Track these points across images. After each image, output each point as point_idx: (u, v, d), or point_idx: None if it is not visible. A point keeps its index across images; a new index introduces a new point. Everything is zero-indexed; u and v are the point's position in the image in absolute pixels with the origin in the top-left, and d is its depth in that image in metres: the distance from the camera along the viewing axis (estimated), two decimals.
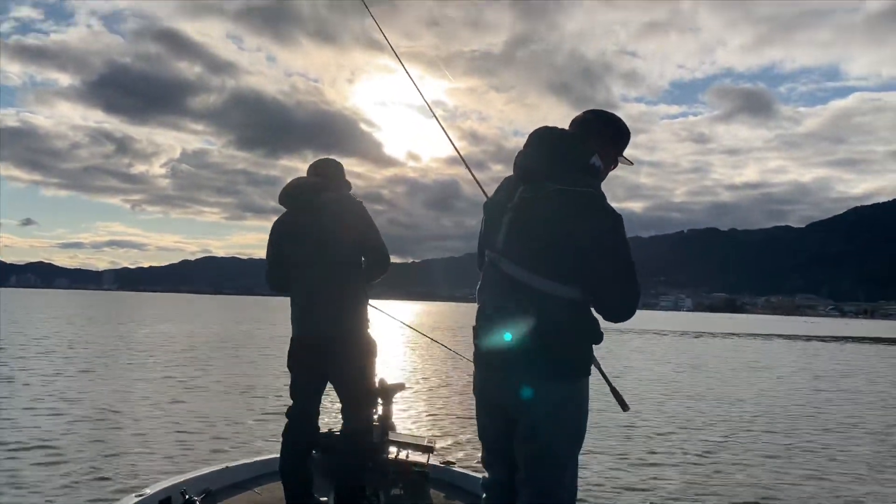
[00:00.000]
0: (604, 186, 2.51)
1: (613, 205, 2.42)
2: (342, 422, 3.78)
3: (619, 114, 2.66)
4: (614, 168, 2.67)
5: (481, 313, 2.53)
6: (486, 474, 2.59)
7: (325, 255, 3.62)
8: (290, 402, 3.76)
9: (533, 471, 2.37)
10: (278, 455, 3.76)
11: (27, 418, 9.37)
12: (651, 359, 24.27)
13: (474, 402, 2.61)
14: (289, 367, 3.75)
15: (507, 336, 2.37)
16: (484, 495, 2.60)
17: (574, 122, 2.63)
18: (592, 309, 2.43)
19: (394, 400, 4.47)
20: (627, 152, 2.70)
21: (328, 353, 3.63)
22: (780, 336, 51.71)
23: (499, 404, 2.44)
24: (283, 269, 3.75)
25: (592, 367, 2.48)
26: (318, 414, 3.79)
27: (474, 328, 2.56)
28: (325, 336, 3.61)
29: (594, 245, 2.33)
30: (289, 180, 3.87)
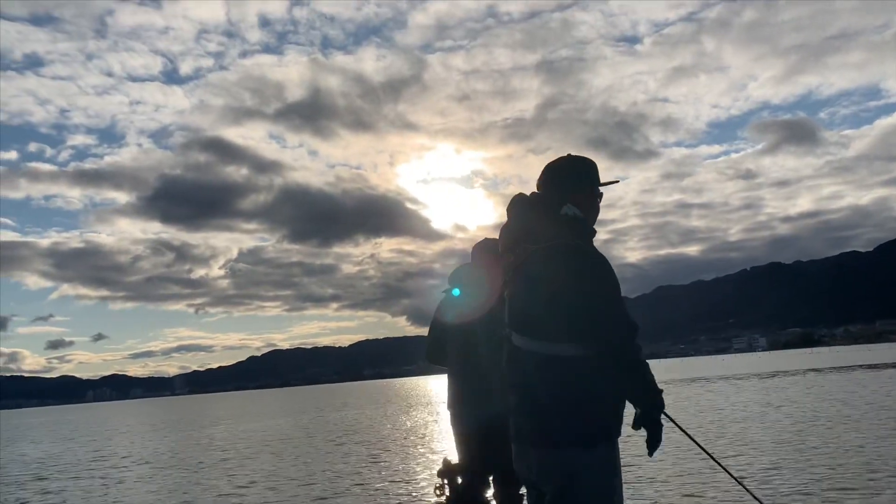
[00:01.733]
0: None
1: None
2: None
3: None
4: (600, 200, 2.59)
5: (509, 388, 2.51)
6: None
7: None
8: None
9: None
10: None
11: None
12: (736, 405, 23.26)
13: None
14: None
15: (520, 406, 2.35)
16: None
17: (547, 172, 2.58)
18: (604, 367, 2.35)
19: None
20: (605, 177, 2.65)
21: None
22: (862, 366, 49.21)
23: (527, 478, 2.40)
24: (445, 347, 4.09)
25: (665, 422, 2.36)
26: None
27: (508, 403, 2.56)
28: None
29: (572, 294, 2.29)
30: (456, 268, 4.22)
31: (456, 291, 4.06)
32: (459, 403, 4.20)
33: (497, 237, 4.07)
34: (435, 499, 4.56)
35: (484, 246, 4.36)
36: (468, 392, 4.11)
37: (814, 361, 69.50)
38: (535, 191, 2.64)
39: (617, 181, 2.68)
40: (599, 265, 2.32)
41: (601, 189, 2.58)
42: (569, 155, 2.61)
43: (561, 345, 2.31)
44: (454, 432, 4.37)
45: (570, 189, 2.57)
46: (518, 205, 2.57)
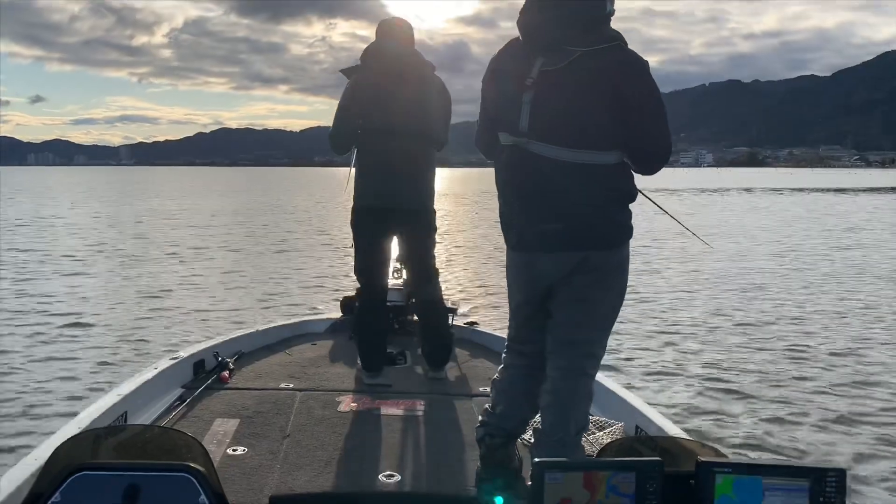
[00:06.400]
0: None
1: None
2: (415, 289, 3.92)
3: None
4: None
5: (515, 196, 2.42)
6: (512, 335, 2.63)
7: (418, 128, 3.58)
8: (359, 266, 3.77)
9: (572, 334, 2.41)
10: (307, 319, 3.87)
11: (65, 289, 9.71)
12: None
13: (507, 275, 2.57)
14: (357, 233, 3.75)
15: (551, 214, 2.32)
16: (504, 355, 2.65)
17: None
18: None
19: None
20: None
21: (404, 223, 3.67)
22: (792, 189, 51.28)
23: (546, 275, 2.39)
24: (356, 134, 3.64)
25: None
26: (387, 276, 3.88)
27: (505, 212, 2.48)
28: (405, 206, 3.63)
29: (637, 100, 2.24)
30: (378, 45, 3.67)
31: None
32: None
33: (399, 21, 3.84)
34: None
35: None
36: None
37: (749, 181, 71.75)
38: None
39: None
40: (649, 67, 2.31)
41: None
42: None
43: (608, 153, 2.28)
44: None
45: None
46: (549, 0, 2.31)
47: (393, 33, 3.69)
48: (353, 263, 3.81)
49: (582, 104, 2.26)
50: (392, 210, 3.63)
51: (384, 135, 3.58)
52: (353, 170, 3.71)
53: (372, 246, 3.74)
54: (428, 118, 3.63)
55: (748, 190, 47.96)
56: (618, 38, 2.31)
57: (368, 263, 3.76)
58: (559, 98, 2.28)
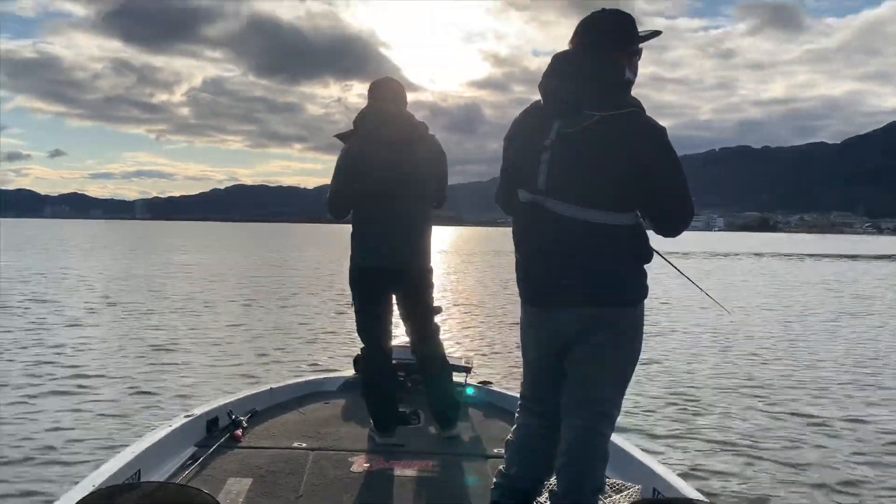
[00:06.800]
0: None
1: None
2: (415, 348, 3.92)
3: (640, 29, 2.52)
4: (639, 58, 2.52)
5: (532, 252, 2.47)
6: (525, 394, 2.62)
7: (411, 189, 3.66)
8: (360, 326, 3.83)
9: (587, 392, 2.41)
10: (320, 377, 3.88)
11: (76, 341, 9.73)
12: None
13: (521, 331, 2.59)
14: (357, 294, 3.82)
15: (566, 270, 2.35)
16: (517, 414, 2.64)
17: (586, 29, 2.45)
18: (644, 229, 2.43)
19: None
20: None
21: (403, 283, 3.73)
22: (812, 255, 51.10)
23: (560, 331, 2.42)
24: (352, 198, 3.71)
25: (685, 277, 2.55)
26: (390, 337, 3.90)
27: (521, 266, 2.52)
28: (403, 267, 3.70)
29: (654, 164, 2.30)
30: (369, 109, 3.76)
31: None
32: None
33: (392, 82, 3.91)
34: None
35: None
36: None
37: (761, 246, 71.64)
38: (571, 48, 2.48)
39: (660, 32, 2.53)
40: (667, 134, 2.36)
41: (641, 45, 2.51)
42: (604, 9, 2.49)
43: (624, 214, 2.34)
44: None
45: (618, 47, 2.44)
46: (569, 65, 2.42)
47: (384, 96, 3.79)
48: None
49: (598, 166, 2.31)
50: (388, 270, 3.70)
51: (378, 197, 3.66)
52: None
53: (371, 306, 3.80)
54: (420, 179, 3.70)
55: (759, 255, 47.81)
56: (636, 105, 2.38)
57: (368, 323, 3.82)
58: (576, 159, 2.34)
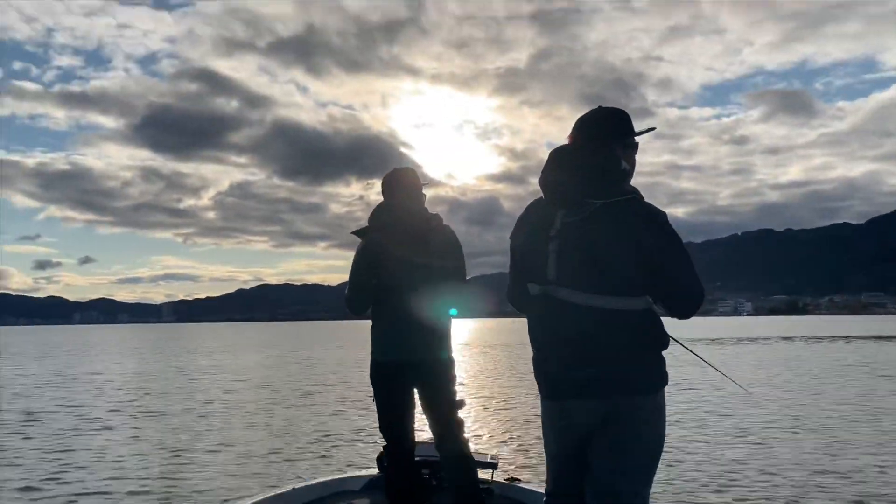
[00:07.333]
0: (647, 193, 2.50)
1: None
2: (438, 444, 3.84)
3: (654, 121, 2.64)
4: (636, 152, 2.63)
5: (546, 344, 2.48)
6: (550, 489, 2.55)
7: (428, 281, 3.68)
8: (382, 423, 3.80)
9: (611, 486, 2.34)
10: (343, 476, 3.80)
11: (99, 443, 9.65)
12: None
13: (542, 425, 2.57)
14: (377, 389, 3.79)
15: (582, 361, 2.33)
16: None
17: (584, 124, 2.57)
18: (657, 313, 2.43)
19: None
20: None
21: (423, 377, 3.71)
22: (844, 337, 49.97)
23: (580, 423, 2.40)
24: (371, 294, 3.75)
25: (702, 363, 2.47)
26: (413, 433, 3.86)
27: (537, 359, 2.52)
28: (422, 360, 3.68)
29: (658, 249, 2.34)
30: (384, 204, 3.82)
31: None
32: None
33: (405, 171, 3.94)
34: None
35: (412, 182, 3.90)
36: None
37: (794, 329, 70.29)
38: (570, 143, 2.58)
39: (653, 129, 2.66)
40: (668, 218, 2.42)
41: (636, 139, 2.61)
42: (600, 107, 2.61)
43: (635, 299, 2.35)
44: None
45: (615, 140, 2.55)
46: (568, 158, 2.52)
47: (397, 191, 3.85)
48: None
49: (605, 253, 2.36)
50: (407, 363, 3.68)
51: (395, 290, 3.68)
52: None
53: (392, 401, 3.76)
54: (437, 270, 3.71)
55: (788, 338, 46.88)
56: (635, 193, 2.45)
57: (390, 419, 3.78)
58: (583, 247, 2.39)
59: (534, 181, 2.56)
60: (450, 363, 3.80)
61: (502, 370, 23.29)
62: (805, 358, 27.05)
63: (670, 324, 2.54)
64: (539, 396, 2.56)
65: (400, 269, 3.66)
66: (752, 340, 44.89)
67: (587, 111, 2.63)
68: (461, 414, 3.92)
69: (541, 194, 2.60)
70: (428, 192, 3.95)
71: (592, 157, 2.48)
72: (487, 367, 24.33)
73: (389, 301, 3.71)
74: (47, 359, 34.81)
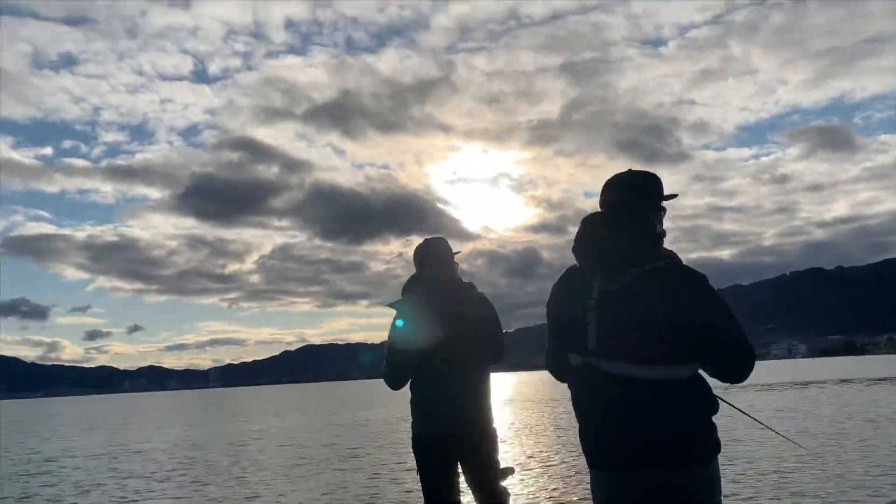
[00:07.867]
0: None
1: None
2: None
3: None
4: (664, 214, 2.60)
5: (592, 416, 2.40)
6: None
7: (463, 351, 3.64)
8: (426, 495, 3.75)
9: None
10: None
11: None
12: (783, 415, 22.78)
13: (592, 495, 2.47)
14: (418, 461, 3.75)
15: (630, 433, 2.25)
16: None
17: (612, 188, 2.55)
18: (705, 378, 2.32)
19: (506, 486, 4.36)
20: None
21: (462, 448, 3.66)
22: None
23: (629, 496, 2.29)
24: (409, 372, 3.72)
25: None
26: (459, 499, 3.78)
27: (582, 431, 2.44)
28: (461, 431, 3.63)
29: (701, 313, 2.24)
30: (416, 277, 3.82)
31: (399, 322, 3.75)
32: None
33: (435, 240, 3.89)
34: None
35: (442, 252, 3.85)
36: None
37: (854, 371, 67.98)
38: (601, 209, 2.56)
39: (676, 195, 2.63)
40: (709, 281, 2.35)
41: (664, 203, 2.60)
42: (630, 170, 2.60)
43: (680, 367, 2.27)
44: None
45: (648, 205, 2.53)
46: (603, 224, 2.47)
47: (428, 262, 3.83)
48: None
49: (644, 321, 2.27)
50: (446, 436, 3.62)
51: (430, 362, 3.63)
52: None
53: (434, 474, 3.75)
54: (471, 339, 3.66)
55: (846, 381, 45.15)
56: (672, 256, 2.38)
57: (433, 491, 3.73)
58: (623, 316, 2.31)
59: (572, 230, 2.55)
60: (490, 433, 3.73)
61: (550, 430, 22.75)
62: (860, 402, 25.91)
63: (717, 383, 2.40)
64: (587, 466, 2.48)
65: (435, 340, 3.61)
66: (804, 385, 43.36)
67: (617, 173, 2.60)
68: (506, 483, 3.83)
69: (574, 260, 2.54)
70: (464, 251, 3.93)
71: (627, 222, 2.42)
72: (536, 426, 23.81)
73: (425, 373, 3.68)
74: (95, 430, 35.20)
